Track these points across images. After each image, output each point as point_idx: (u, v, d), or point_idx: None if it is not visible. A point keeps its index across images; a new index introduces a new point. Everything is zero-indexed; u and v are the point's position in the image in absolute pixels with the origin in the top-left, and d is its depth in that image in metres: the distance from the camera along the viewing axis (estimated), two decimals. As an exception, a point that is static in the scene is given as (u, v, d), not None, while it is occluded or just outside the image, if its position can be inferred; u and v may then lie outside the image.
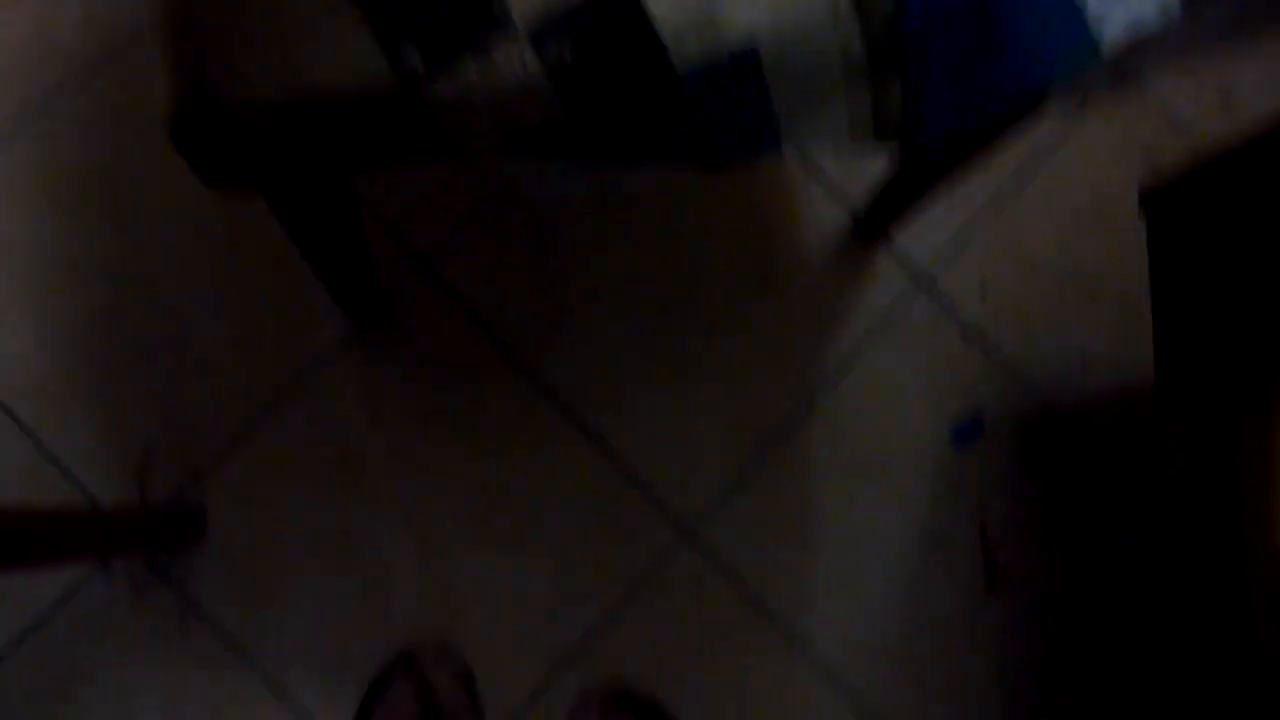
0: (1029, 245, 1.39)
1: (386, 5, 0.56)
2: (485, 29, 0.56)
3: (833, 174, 1.37)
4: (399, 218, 1.30)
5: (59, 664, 1.17)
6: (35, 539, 0.92)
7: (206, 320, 1.25)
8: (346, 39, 0.57)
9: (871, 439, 1.31)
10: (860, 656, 1.26)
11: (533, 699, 1.21)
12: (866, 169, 1.36)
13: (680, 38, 0.58)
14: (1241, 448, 0.85)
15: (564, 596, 1.23)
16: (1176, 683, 0.97)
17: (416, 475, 1.24)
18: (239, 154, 0.62)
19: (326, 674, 1.19)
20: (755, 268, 1.33)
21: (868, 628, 1.27)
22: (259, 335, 1.26)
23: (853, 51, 0.61)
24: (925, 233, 1.37)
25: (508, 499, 1.24)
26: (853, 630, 1.27)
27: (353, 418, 1.25)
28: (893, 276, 1.35)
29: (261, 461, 1.23)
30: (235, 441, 1.23)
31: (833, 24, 0.59)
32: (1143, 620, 1.29)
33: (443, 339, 1.28)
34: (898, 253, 1.36)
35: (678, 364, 1.30)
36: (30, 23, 1.30)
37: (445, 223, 1.30)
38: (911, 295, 1.35)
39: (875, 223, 1.32)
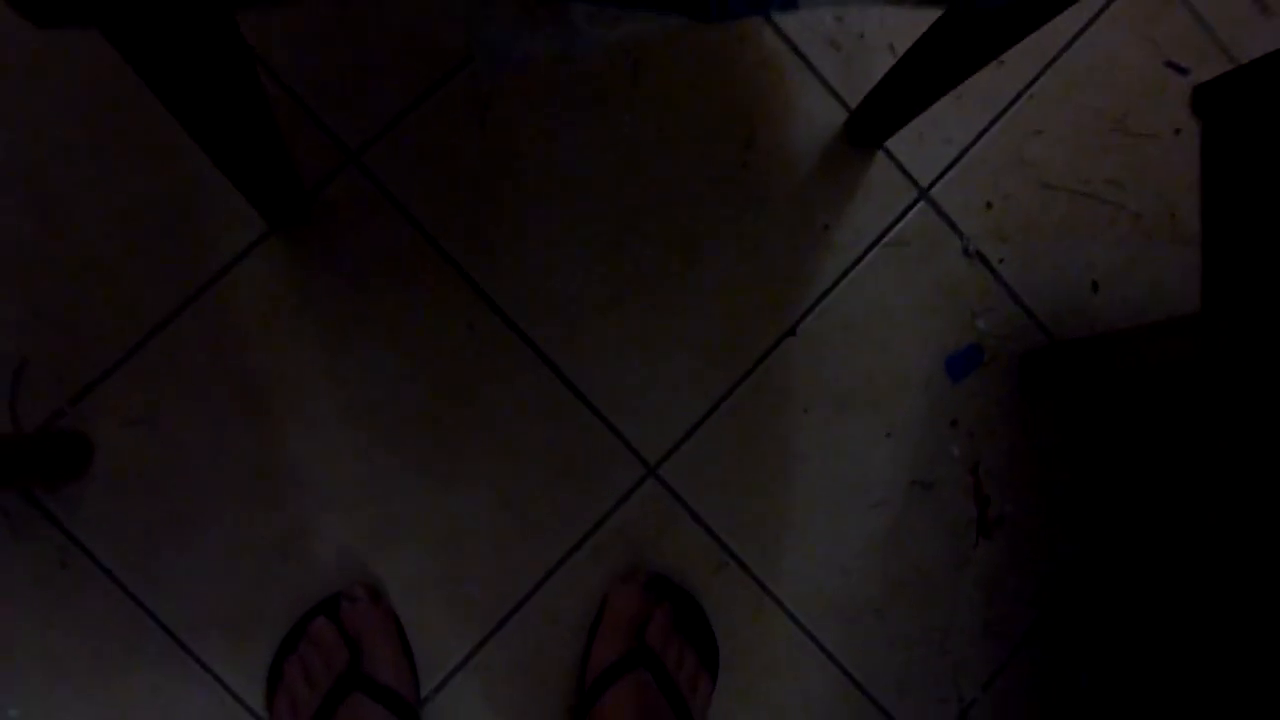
0: (1040, 159, 1.23)
1: None
2: None
3: (829, 66, 1.19)
4: (321, 98, 1.10)
5: (-82, 612, 1.00)
6: None
7: (92, 217, 1.06)
8: None
9: (857, 369, 1.17)
10: (835, 606, 1.14)
11: (473, 652, 1.07)
12: (867, 64, 1.18)
13: None
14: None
15: (511, 537, 1.09)
16: (1202, 638, 0.86)
17: (341, 395, 1.07)
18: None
19: (234, 624, 1.04)
20: (734, 171, 1.16)
21: (845, 576, 1.15)
22: (154, 234, 1.07)
23: None
24: (927, 141, 1.21)
25: (448, 425, 1.08)
26: (829, 579, 1.15)
27: (266, 328, 1.07)
28: (888, 188, 1.19)
29: (156, 380, 1.05)
30: (126, 357, 1.05)
31: None
32: (1149, 572, 1.19)
33: (370, 239, 1.09)
34: (896, 162, 1.20)
35: (642, 279, 1.13)
36: None
37: (375, 105, 1.11)
38: (909, 210, 1.20)
39: (873, 125, 1.15)
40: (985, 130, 1.23)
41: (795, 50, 1.19)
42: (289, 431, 1.06)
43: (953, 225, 1.20)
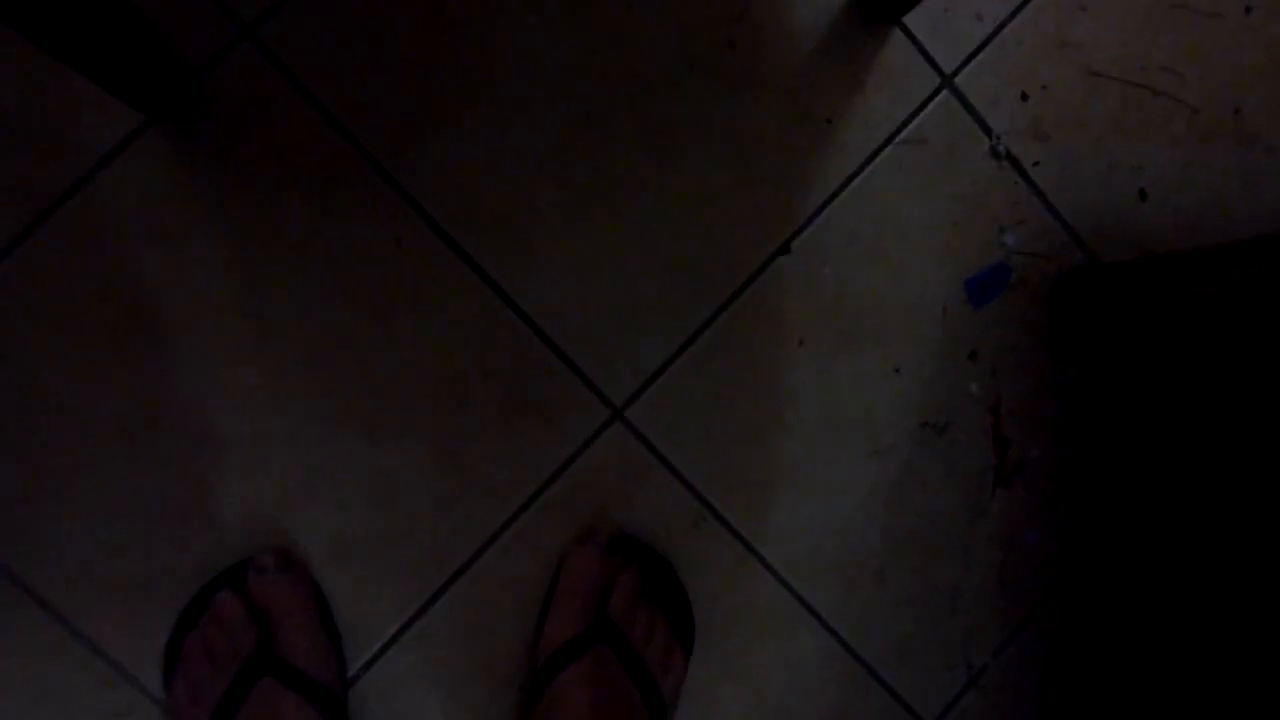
0: (1086, 41, 1.03)
1: None
2: None
3: (835, -82, 0.97)
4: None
5: None
6: None
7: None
8: None
9: (862, 293, 0.99)
10: (830, 566, 0.99)
11: (408, 624, 0.92)
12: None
13: None
14: None
15: (451, 491, 0.92)
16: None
17: (243, 325, 0.89)
18: None
19: (125, 598, 0.88)
20: (719, 52, 0.96)
21: (842, 532, 0.99)
22: (5, 131, 0.86)
23: None
24: (953, 17, 1.00)
25: (374, 360, 0.91)
26: (823, 536, 0.99)
27: (146, 242, 0.88)
28: (905, 75, 0.99)
29: (17, 306, 0.87)
30: (-24, 279, 0.86)
31: None
32: (1189, 533, 1.04)
33: (274, 132, 0.90)
34: (915, 42, 0.99)
35: (606, 185, 0.94)
36: None
37: (275, -35, 0.89)
38: (929, 101, 1.00)
39: (888, -7, 0.94)
40: (1022, 6, 1.02)
41: (796, -100, 0.96)
42: (179, 369, 0.88)
43: (980, 120, 1.01)
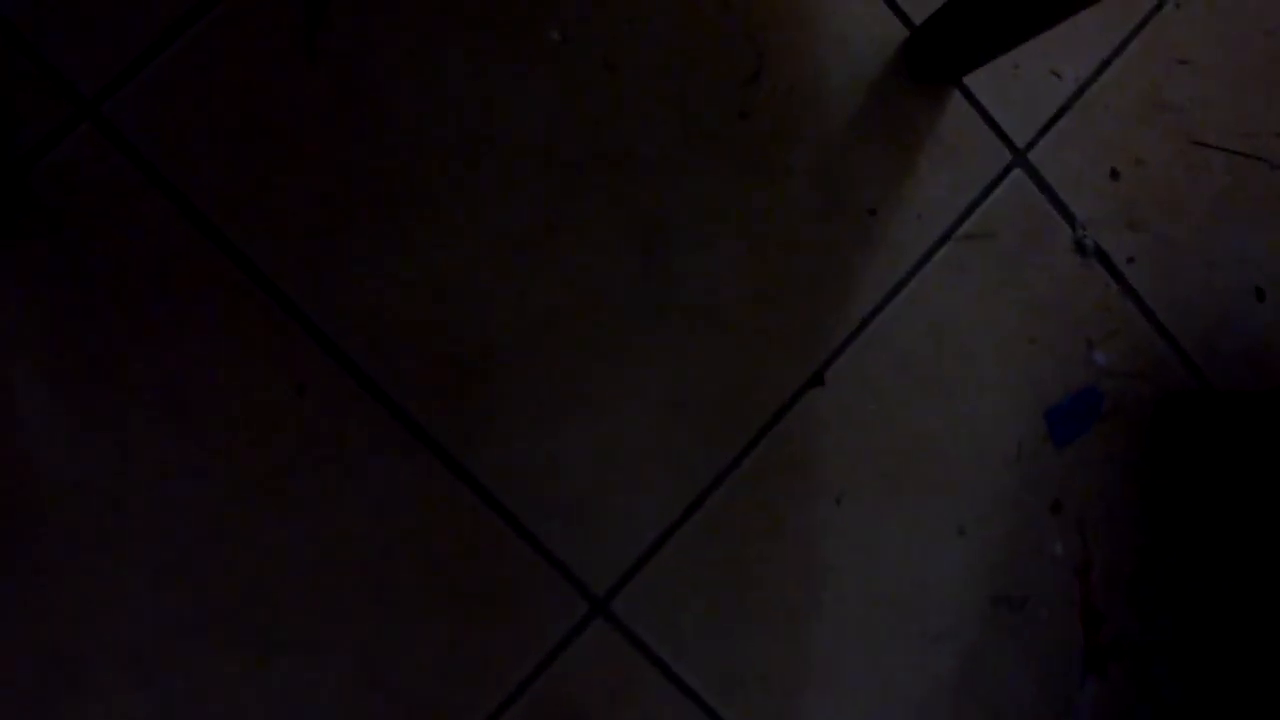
0: (1186, 103, 0.81)
1: None
2: None
3: (877, -50, 0.75)
4: (39, 21, 0.65)
5: None
6: None
7: None
8: None
9: (917, 433, 0.76)
10: (881, 788, 0.76)
11: None
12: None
13: None
14: None
15: (376, 716, 0.68)
16: None
17: (80, 501, 0.65)
18: None
19: None
20: (730, 125, 0.73)
21: (897, 747, 0.76)
22: None
23: None
24: (1026, 77, 0.78)
25: (262, 547, 0.67)
26: (874, 755, 0.76)
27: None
28: (968, 149, 0.77)
29: None
30: None
31: None
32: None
33: (119, 235, 0.66)
34: (979, 108, 0.77)
35: (582, 301, 0.71)
36: None
37: (131, 21, 0.66)
38: (997, 182, 0.77)
39: (947, 51, 0.72)
40: (1110, 59, 0.80)
41: (826, -73, 0.74)
42: (20, 571, 0.64)
43: (1060, 205, 0.79)
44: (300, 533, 0.68)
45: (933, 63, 0.74)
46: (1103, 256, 0.80)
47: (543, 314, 0.70)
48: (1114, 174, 0.80)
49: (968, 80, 0.76)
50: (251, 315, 0.67)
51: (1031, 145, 0.78)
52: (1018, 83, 0.78)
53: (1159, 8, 0.81)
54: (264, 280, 0.67)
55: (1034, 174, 0.78)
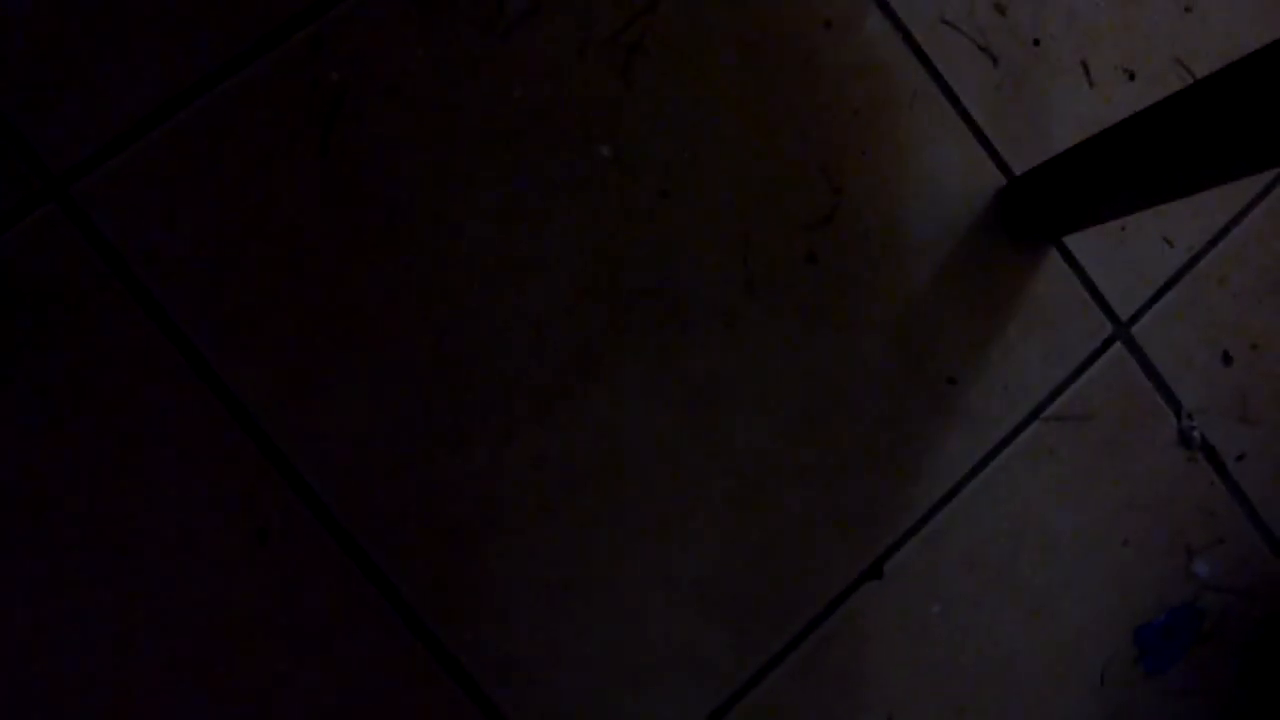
0: (1308, 275, 0.71)
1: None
2: None
3: (978, 91, 0.67)
4: (15, 70, 0.57)
5: None
6: None
7: None
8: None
9: (985, 644, 0.64)
10: None
11: None
12: (1046, 95, 0.66)
13: None
14: None
15: None
16: None
17: (31, 667, 0.54)
18: None
19: None
20: (795, 270, 0.64)
21: None
22: None
23: None
24: (1134, 240, 0.69)
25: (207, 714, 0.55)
26: None
27: None
28: (1065, 321, 0.67)
29: None
30: None
31: None
32: None
33: (76, 331, 0.56)
34: (1079, 272, 0.67)
35: (604, 469, 0.60)
36: None
37: (116, 92, 0.57)
38: (1095, 358, 0.67)
39: (1049, 207, 0.63)
40: (1228, 228, 0.70)
41: (918, 54, 0.66)
42: None
43: (1165, 389, 0.68)
44: (247, 705, 0.56)
45: (1031, 218, 0.65)
46: (1210, 451, 0.69)
47: (559, 474, 0.59)
48: (1227, 358, 0.69)
49: (1068, 240, 0.67)
50: (215, 442, 0.56)
51: (1136, 318, 0.68)
52: (1124, 247, 0.68)
53: (1284, 176, 0.72)
54: (232, 401, 0.57)
55: (1137, 351, 0.68)
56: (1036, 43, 0.68)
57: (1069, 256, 0.67)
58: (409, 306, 0.58)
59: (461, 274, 0.59)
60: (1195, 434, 0.68)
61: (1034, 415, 0.66)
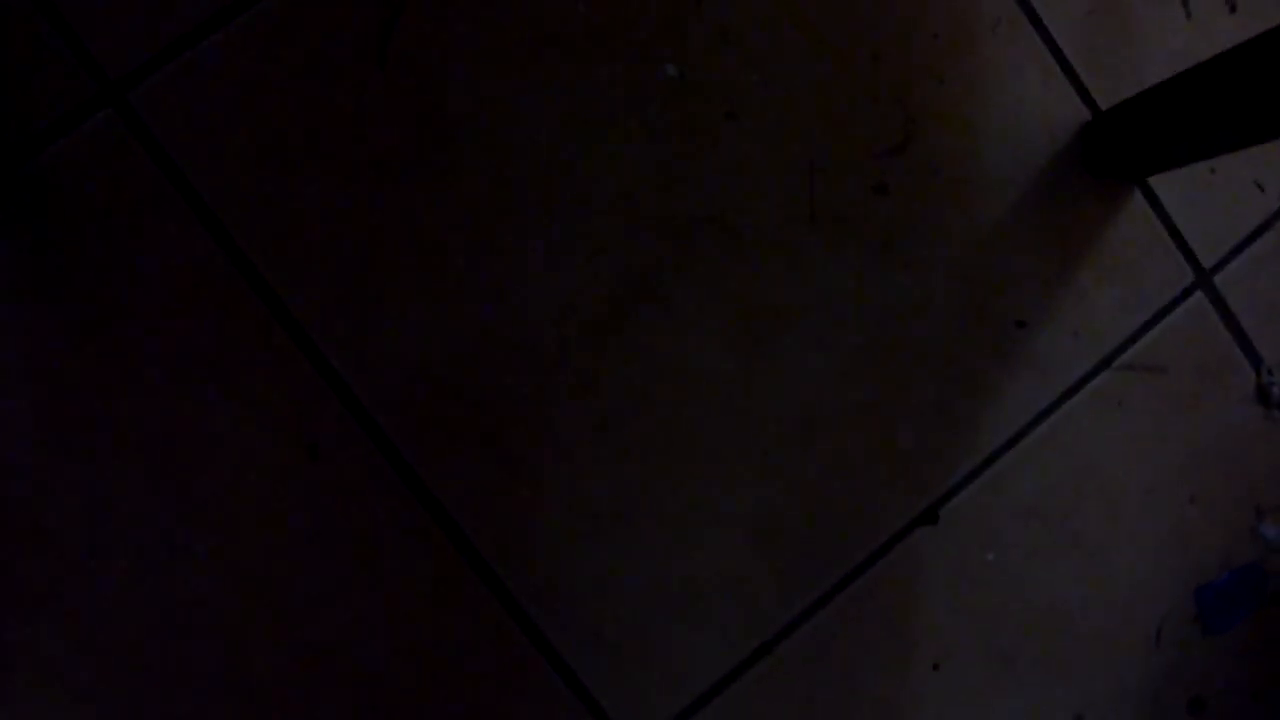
0: None
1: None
2: None
3: (1065, 17, 0.63)
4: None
5: None
6: None
7: None
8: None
9: (1038, 595, 0.63)
10: None
11: None
12: (1140, 23, 0.62)
13: None
14: None
15: None
16: None
17: (71, 558, 0.55)
18: None
19: None
20: (861, 200, 0.61)
21: None
22: None
23: None
24: (1221, 184, 0.65)
25: (256, 626, 0.56)
26: None
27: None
28: (1143, 266, 0.64)
29: None
30: None
31: None
32: None
33: (127, 238, 0.56)
34: (1162, 215, 0.64)
35: (653, 398, 0.59)
36: None
37: (176, 12, 0.56)
38: (1174, 306, 0.64)
39: (1134, 144, 0.59)
40: (1324, 172, 0.66)
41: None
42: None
43: (1245, 342, 0.65)
44: (295, 618, 0.56)
45: (1115, 157, 0.61)
46: (1289, 410, 0.66)
47: (612, 404, 0.58)
48: (1314, 312, 0.66)
49: (1153, 181, 0.63)
50: (266, 355, 0.56)
51: (1220, 267, 0.65)
52: (1212, 190, 0.65)
53: (1391, 121, 0.67)
54: (286, 316, 0.56)
55: (1218, 301, 0.65)
56: (1133, -32, 0.63)
57: (1152, 198, 0.64)
58: (465, 225, 0.57)
59: (519, 192, 0.58)
60: (1275, 390, 0.65)
61: (1105, 364, 0.63)
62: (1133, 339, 0.64)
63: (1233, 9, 0.65)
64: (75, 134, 0.55)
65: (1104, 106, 0.62)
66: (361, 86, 0.57)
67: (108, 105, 0.55)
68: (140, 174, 0.56)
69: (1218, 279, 0.65)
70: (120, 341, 0.55)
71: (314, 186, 0.56)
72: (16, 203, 0.55)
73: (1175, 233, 0.64)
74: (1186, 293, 0.64)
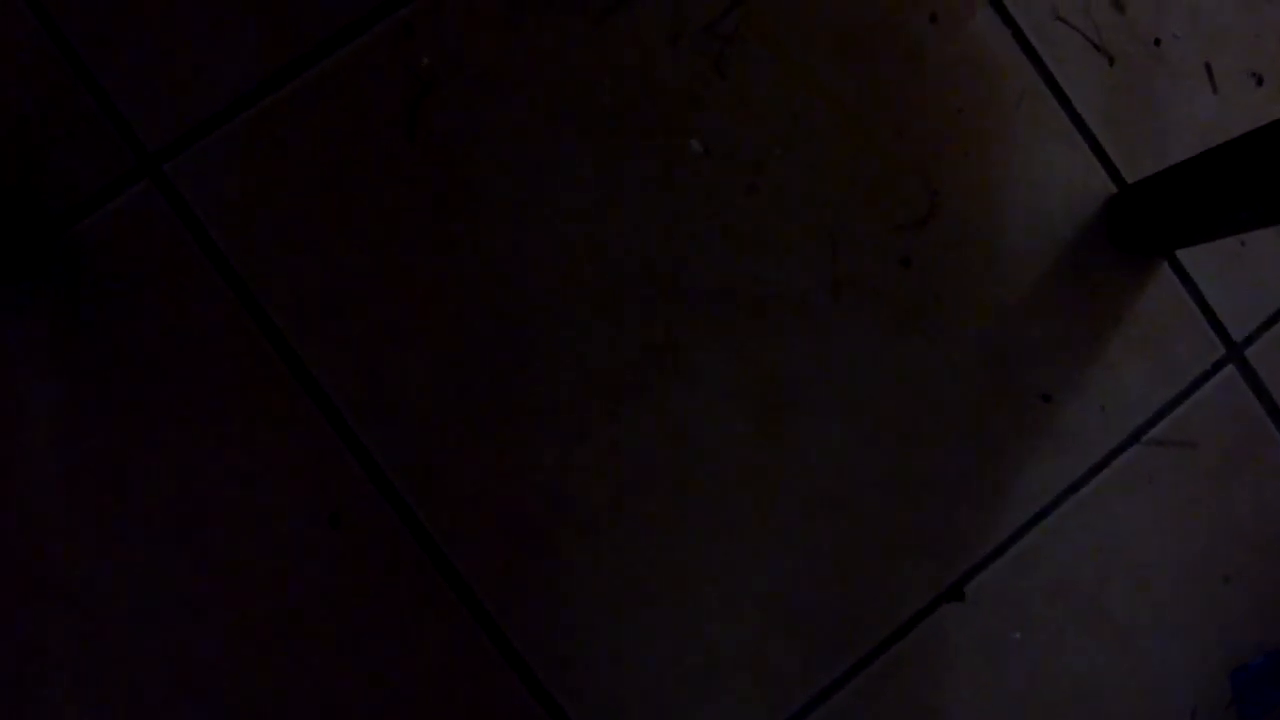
0: None
1: None
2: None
3: (1089, 94, 0.63)
4: (105, 56, 0.57)
5: None
6: None
7: None
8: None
9: (1067, 676, 0.61)
10: None
11: None
12: (1164, 99, 0.62)
13: None
14: None
15: None
16: None
17: (91, 613, 0.55)
18: None
19: None
20: (887, 271, 0.61)
21: None
22: None
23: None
24: (1251, 259, 0.64)
25: (267, 687, 0.56)
26: None
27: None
28: (1172, 340, 0.63)
29: None
30: None
31: None
32: None
33: (160, 307, 0.57)
34: (1192, 290, 0.63)
35: (671, 461, 0.59)
36: None
37: (210, 75, 0.58)
38: (1203, 380, 0.63)
39: (1160, 220, 0.59)
40: (1357, 246, 0.65)
41: (1029, 51, 0.62)
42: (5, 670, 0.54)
43: (1278, 415, 0.64)
44: (309, 682, 0.56)
45: (1142, 231, 0.61)
46: (1326, 487, 0.64)
47: (631, 471, 0.58)
48: (1350, 388, 0.65)
49: (1181, 254, 0.63)
50: (292, 424, 0.56)
51: (1250, 340, 0.64)
52: (1242, 263, 0.64)
53: None
54: (312, 384, 0.57)
55: (1250, 376, 0.64)
56: (1157, 43, 0.64)
57: (1181, 271, 0.63)
58: (490, 296, 0.58)
59: (543, 264, 0.58)
60: (1310, 467, 0.64)
61: (1134, 438, 0.62)
62: (1162, 413, 0.63)
63: (1260, 81, 0.65)
64: (111, 204, 0.56)
65: (1130, 179, 0.62)
66: (391, 160, 0.58)
67: (144, 176, 0.56)
68: (173, 241, 0.57)
69: (1249, 352, 0.64)
70: (148, 405, 0.56)
71: (342, 257, 0.57)
72: (50, 270, 0.56)
73: (1205, 306, 0.63)
74: (1217, 366, 0.63)
